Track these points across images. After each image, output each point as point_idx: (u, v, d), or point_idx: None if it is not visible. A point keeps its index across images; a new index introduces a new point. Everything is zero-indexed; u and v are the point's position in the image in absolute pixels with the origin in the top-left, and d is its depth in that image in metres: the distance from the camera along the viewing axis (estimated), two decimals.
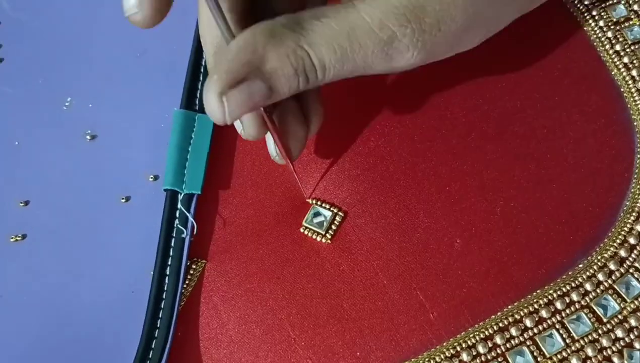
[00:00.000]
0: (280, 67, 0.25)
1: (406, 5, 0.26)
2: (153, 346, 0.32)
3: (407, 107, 0.37)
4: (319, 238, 0.34)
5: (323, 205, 0.35)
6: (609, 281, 0.33)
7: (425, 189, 0.35)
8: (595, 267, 0.33)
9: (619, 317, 0.32)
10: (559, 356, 0.31)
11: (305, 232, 0.34)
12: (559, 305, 0.32)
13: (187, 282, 0.34)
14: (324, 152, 0.36)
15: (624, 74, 0.37)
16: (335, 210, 0.35)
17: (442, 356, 0.32)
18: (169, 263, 0.33)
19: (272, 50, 0.25)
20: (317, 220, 0.34)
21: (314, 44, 0.25)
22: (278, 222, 0.35)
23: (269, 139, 0.33)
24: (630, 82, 0.37)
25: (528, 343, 0.32)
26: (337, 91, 0.34)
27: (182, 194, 0.35)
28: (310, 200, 0.35)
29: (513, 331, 0.32)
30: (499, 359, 0.32)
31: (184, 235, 0.34)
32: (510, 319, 0.32)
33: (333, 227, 0.34)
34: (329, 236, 0.34)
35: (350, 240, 0.34)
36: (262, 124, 0.30)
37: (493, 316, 0.32)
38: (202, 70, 0.37)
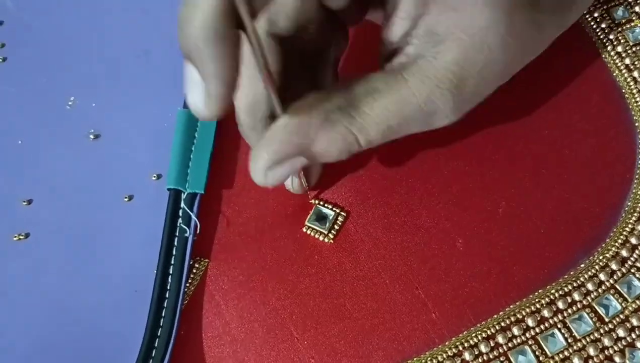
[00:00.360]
0: (327, 149, 0.26)
1: (451, 80, 0.26)
2: (156, 345, 0.32)
3: None
4: (321, 238, 0.34)
5: (326, 205, 0.35)
6: (611, 281, 0.33)
7: (427, 189, 0.35)
8: (597, 267, 0.33)
9: (621, 316, 0.32)
10: (560, 355, 0.31)
11: (308, 232, 0.35)
12: (560, 304, 0.32)
13: (190, 281, 0.34)
14: None
15: (626, 75, 0.37)
16: (337, 210, 0.35)
17: (444, 355, 0.32)
18: (172, 262, 0.33)
19: (324, 134, 0.26)
20: (319, 219, 0.34)
21: (364, 129, 0.26)
22: (281, 222, 0.35)
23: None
24: (632, 83, 0.37)
25: (530, 342, 0.32)
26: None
27: (185, 193, 0.35)
28: (313, 200, 0.35)
29: (515, 330, 0.32)
30: (501, 358, 0.32)
31: (187, 235, 0.34)
32: (512, 319, 0.32)
33: (336, 226, 0.34)
34: (331, 236, 0.34)
35: (352, 240, 0.34)
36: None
37: (495, 315, 0.33)
38: None
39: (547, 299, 0.33)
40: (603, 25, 0.38)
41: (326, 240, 0.34)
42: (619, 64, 0.37)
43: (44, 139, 0.38)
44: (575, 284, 0.33)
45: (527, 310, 0.32)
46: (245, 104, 0.29)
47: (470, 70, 0.27)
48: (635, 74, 0.37)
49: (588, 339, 0.32)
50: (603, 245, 0.34)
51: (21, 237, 0.36)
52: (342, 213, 0.35)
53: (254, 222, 0.35)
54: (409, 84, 0.26)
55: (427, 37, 0.27)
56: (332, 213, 0.35)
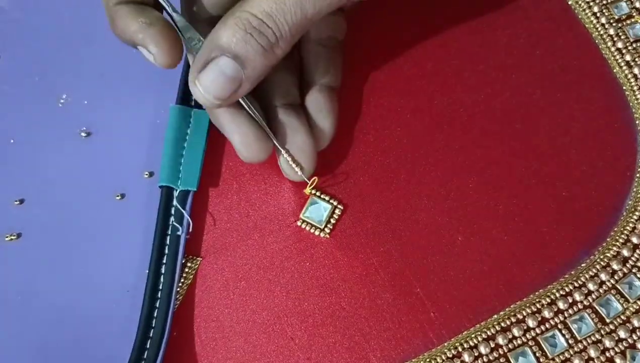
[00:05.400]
0: (231, 35, 0.27)
1: None
2: (148, 346, 0.32)
3: (408, 103, 0.36)
4: (317, 233, 0.34)
5: (322, 197, 0.34)
6: (612, 281, 0.33)
7: (426, 185, 0.35)
8: (598, 267, 0.33)
9: (622, 317, 0.32)
10: (561, 357, 0.31)
11: (303, 226, 0.34)
12: (561, 305, 0.32)
13: (182, 280, 0.33)
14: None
15: (626, 71, 0.37)
16: (334, 203, 0.34)
17: (443, 357, 0.31)
18: (164, 261, 0.33)
19: (223, 26, 0.28)
20: (315, 212, 0.34)
21: (254, 3, 0.27)
22: (275, 216, 0.34)
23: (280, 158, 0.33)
24: (632, 79, 0.36)
25: (530, 343, 0.31)
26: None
27: (178, 191, 0.34)
28: (308, 190, 0.34)
29: (515, 331, 0.32)
30: (501, 360, 0.31)
31: (179, 233, 0.33)
32: (513, 319, 0.32)
33: (332, 221, 0.34)
34: (327, 230, 0.34)
35: (349, 235, 0.34)
36: (260, 138, 0.31)
37: (495, 316, 0.32)
38: None
39: (547, 299, 0.32)
40: (603, 21, 0.38)
41: (322, 235, 0.34)
42: (619, 60, 0.37)
43: (36, 138, 0.37)
44: (576, 284, 0.32)
45: (528, 310, 0.32)
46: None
47: None
48: (636, 70, 0.37)
49: (589, 340, 0.31)
50: (604, 244, 0.33)
51: (13, 237, 0.35)
52: (339, 206, 0.34)
53: (247, 218, 0.35)
54: None
55: None
56: (329, 206, 0.34)
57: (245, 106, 0.30)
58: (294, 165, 0.32)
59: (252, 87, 0.29)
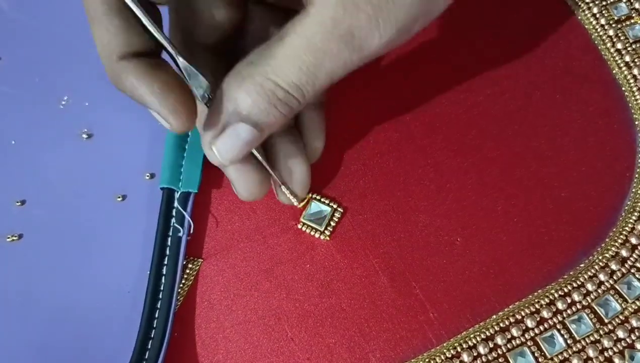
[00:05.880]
0: (254, 104, 0.26)
1: None
2: (149, 346, 0.32)
3: (408, 105, 0.36)
4: (317, 235, 0.34)
5: (322, 200, 0.35)
6: (611, 281, 0.33)
7: (425, 187, 0.35)
8: (596, 267, 0.33)
9: (621, 317, 0.32)
10: (560, 357, 0.31)
11: (303, 229, 0.34)
12: (560, 305, 0.32)
13: (183, 281, 0.34)
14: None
15: (625, 72, 0.37)
16: (334, 206, 0.34)
17: (442, 357, 0.31)
18: (166, 262, 0.33)
19: (242, 91, 0.25)
20: (315, 215, 0.34)
21: (279, 70, 0.25)
22: (275, 219, 0.35)
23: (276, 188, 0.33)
24: (631, 80, 0.36)
25: (529, 343, 0.32)
26: (338, 88, 0.34)
27: (179, 193, 0.34)
28: (309, 194, 0.35)
29: (514, 331, 0.32)
30: (500, 360, 0.31)
31: (180, 234, 0.34)
32: (512, 319, 0.32)
33: (332, 223, 0.34)
34: (327, 233, 0.34)
35: (349, 237, 0.34)
36: (262, 182, 0.31)
37: (494, 316, 0.32)
38: None
39: (546, 300, 0.32)
40: (602, 22, 0.38)
41: (322, 237, 0.34)
42: (619, 61, 0.37)
43: (37, 139, 0.37)
44: (575, 284, 0.33)
45: (527, 310, 0.32)
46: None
47: None
48: (635, 71, 0.37)
49: (587, 340, 0.32)
50: (603, 244, 0.33)
51: (14, 238, 0.35)
52: (339, 209, 0.34)
53: (248, 220, 0.35)
54: (310, 15, 0.25)
55: None
56: (329, 209, 0.34)
57: (254, 152, 0.30)
58: (291, 197, 0.33)
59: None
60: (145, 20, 0.24)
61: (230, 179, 0.31)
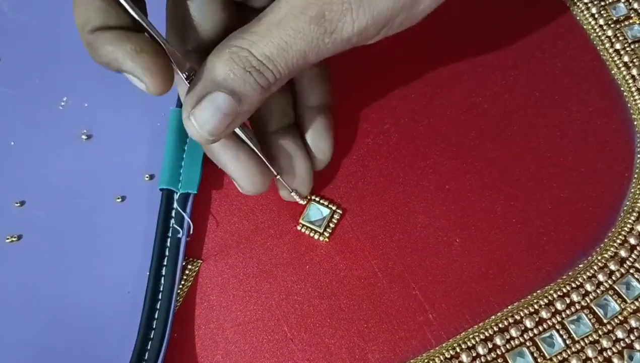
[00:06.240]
0: (229, 70, 0.26)
1: None
2: (149, 347, 0.32)
3: (406, 106, 0.37)
4: (316, 237, 0.34)
5: (321, 201, 0.35)
6: (609, 281, 0.33)
7: (424, 188, 0.35)
8: (595, 267, 0.33)
9: (619, 317, 0.32)
10: (559, 357, 0.31)
11: (303, 230, 0.34)
12: (559, 305, 0.32)
13: (183, 282, 0.34)
14: None
15: (624, 73, 0.37)
16: (333, 207, 0.34)
17: (441, 357, 0.31)
18: (165, 263, 0.33)
19: (218, 60, 0.26)
20: (314, 217, 0.34)
21: (253, 42, 0.26)
22: (275, 220, 0.35)
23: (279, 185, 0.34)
24: (630, 81, 0.37)
25: (528, 344, 0.32)
26: (337, 89, 0.34)
27: (178, 194, 0.34)
28: (303, 202, 0.35)
29: (513, 332, 0.32)
30: (499, 360, 0.31)
31: (179, 235, 0.34)
32: (510, 320, 0.32)
33: (331, 224, 0.34)
34: (326, 234, 0.34)
35: (348, 239, 0.34)
36: (262, 173, 0.31)
37: (493, 317, 0.32)
38: None
39: (545, 300, 0.32)
40: (601, 22, 0.38)
41: (321, 239, 0.34)
42: (618, 62, 0.37)
43: (37, 140, 0.38)
44: (573, 285, 0.33)
45: (526, 311, 0.32)
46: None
47: None
48: (634, 71, 0.37)
49: (586, 340, 0.32)
50: (602, 245, 0.34)
51: (14, 239, 0.35)
52: (338, 211, 0.34)
53: (247, 221, 0.35)
54: None
55: None
56: (328, 211, 0.34)
57: (247, 140, 0.30)
58: (293, 194, 0.33)
59: (244, 120, 0.28)
60: (126, 4, 0.25)
61: (232, 175, 0.31)
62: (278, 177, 0.32)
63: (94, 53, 0.26)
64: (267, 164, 0.31)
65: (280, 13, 0.26)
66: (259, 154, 0.31)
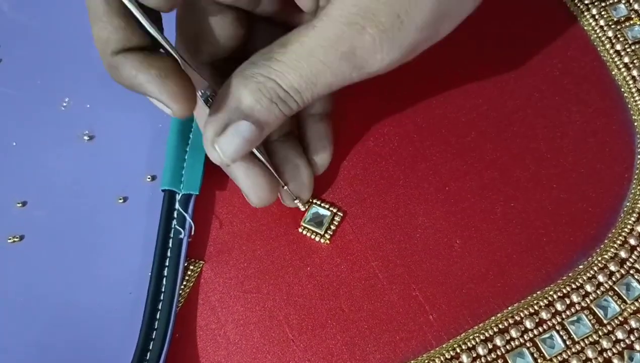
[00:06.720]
0: (256, 101, 0.26)
1: (356, 13, 0.26)
2: (150, 348, 0.32)
3: (406, 107, 0.37)
4: (317, 239, 0.34)
5: (322, 204, 0.35)
6: (610, 282, 0.33)
7: (424, 189, 0.35)
8: (595, 268, 0.33)
9: (620, 318, 0.32)
10: (559, 358, 0.31)
11: (304, 232, 0.34)
12: (559, 306, 0.32)
13: (184, 283, 0.34)
14: None
15: (625, 73, 0.37)
16: (334, 210, 0.35)
17: (441, 358, 0.32)
18: (167, 264, 0.33)
19: (245, 89, 0.26)
20: (316, 220, 0.34)
21: (281, 73, 0.26)
22: (276, 222, 0.35)
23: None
24: (630, 82, 0.37)
25: (528, 344, 0.32)
26: (337, 91, 0.34)
27: (180, 195, 0.34)
28: (303, 208, 0.35)
29: (513, 332, 0.32)
30: (499, 361, 0.31)
31: (181, 236, 0.34)
32: (510, 321, 0.32)
33: (332, 227, 0.34)
34: (327, 236, 0.34)
35: (349, 241, 0.34)
36: (273, 188, 0.32)
37: (493, 317, 0.32)
38: None
39: (545, 301, 0.32)
40: (602, 23, 0.38)
41: (322, 241, 0.34)
42: (618, 63, 0.37)
43: (39, 140, 0.38)
44: (573, 286, 0.33)
45: (526, 312, 0.32)
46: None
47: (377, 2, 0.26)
48: (634, 72, 0.37)
49: (586, 341, 0.32)
50: (602, 246, 0.34)
51: (15, 239, 0.35)
52: (339, 213, 0.35)
53: (249, 223, 0.35)
54: (315, 29, 0.26)
55: None
56: (329, 213, 0.34)
57: (259, 155, 0.31)
58: (297, 201, 0.33)
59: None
60: (144, 21, 0.25)
61: (240, 186, 0.31)
62: (285, 188, 0.33)
63: (116, 76, 0.26)
64: (276, 176, 0.32)
65: (310, 43, 0.26)
66: (269, 167, 0.31)
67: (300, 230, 0.34)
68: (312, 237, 0.34)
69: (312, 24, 0.26)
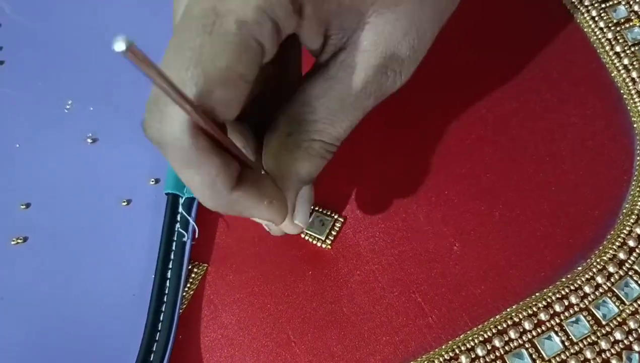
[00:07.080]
0: (312, 168, 0.28)
1: (380, 58, 0.27)
2: (154, 349, 0.32)
3: (404, 111, 0.37)
4: (319, 244, 0.34)
5: (323, 211, 0.35)
6: (608, 284, 0.33)
7: (423, 193, 0.35)
8: (594, 270, 0.33)
9: (618, 319, 0.32)
10: (557, 359, 0.31)
11: (306, 238, 0.35)
12: (557, 307, 0.32)
13: (188, 285, 0.34)
14: None
15: (624, 75, 0.37)
16: (335, 216, 0.35)
17: (440, 359, 0.32)
18: (170, 267, 0.33)
19: (298, 162, 0.28)
20: (317, 226, 0.35)
21: (321, 132, 0.28)
22: None
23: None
24: (630, 83, 0.37)
25: (527, 346, 0.32)
26: None
27: (184, 198, 0.35)
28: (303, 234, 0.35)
29: (512, 334, 0.32)
30: (498, 362, 0.32)
31: (185, 239, 0.34)
32: (509, 322, 0.32)
33: (333, 232, 0.35)
34: (329, 241, 0.34)
35: (350, 245, 0.34)
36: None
37: (492, 319, 0.33)
38: None
39: (544, 302, 0.33)
40: (601, 25, 0.38)
41: (324, 246, 0.34)
42: (618, 64, 0.37)
43: (42, 143, 0.38)
44: (572, 287, 0.33)
45: (524, 313, 0.32)
46: None
47: (393, 39, 0.27)
48: (634, 74, 0.37)
49: (585, 342, 0.32)
50: (600, 247, 0.34)
51: (19, 241, 0.36)
52: (340, 218, 0.35)
53: (252, 227, 0.35)
54: (341, 80, 0.27)
55: (340, 31, 0.27)
56: (330, 219, 0.35)
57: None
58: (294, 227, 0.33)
59: None
60: (242, 151, 0.26)
61: (272, 226, 0.32)
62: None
63: (230, 210, 0.26)
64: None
65: (337, 96, 0.27)
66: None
67: (302, 235, 0.35)
68: (314, 242, 0.35)
69: (329, 74, 0.27)
